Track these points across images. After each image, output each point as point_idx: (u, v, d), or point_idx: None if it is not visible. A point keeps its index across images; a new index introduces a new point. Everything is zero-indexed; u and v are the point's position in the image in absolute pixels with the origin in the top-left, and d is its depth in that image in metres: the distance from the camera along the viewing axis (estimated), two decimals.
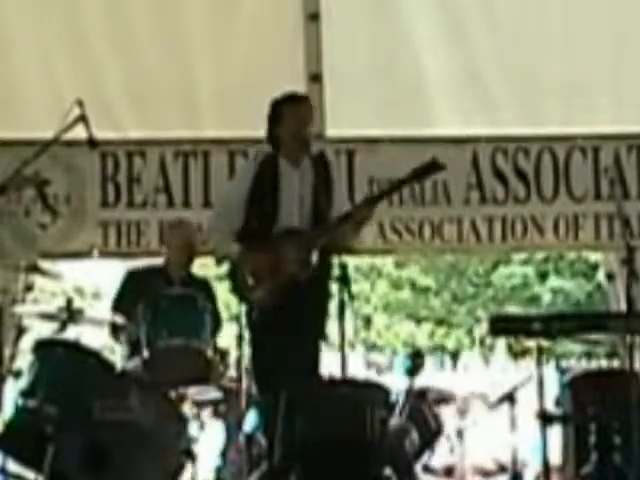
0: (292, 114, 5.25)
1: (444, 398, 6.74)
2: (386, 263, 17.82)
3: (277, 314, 5.04)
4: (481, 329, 16.45)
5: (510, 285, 17.66)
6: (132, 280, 6.04)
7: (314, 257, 5.01)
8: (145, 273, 6.10)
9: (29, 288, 6.01)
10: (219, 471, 5.44)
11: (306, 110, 5.28)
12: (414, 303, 18.26)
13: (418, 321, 18.08)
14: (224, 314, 6.16)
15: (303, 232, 5.09)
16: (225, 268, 5.27)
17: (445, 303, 18.31)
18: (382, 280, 18.18)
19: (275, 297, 5.04)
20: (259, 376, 5.14)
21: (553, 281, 17.54)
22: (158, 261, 6.28)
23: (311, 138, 5.23)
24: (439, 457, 6.64)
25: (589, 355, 15.55)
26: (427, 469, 6.37)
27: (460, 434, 6.68)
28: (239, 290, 5.14)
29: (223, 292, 6.09)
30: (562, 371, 5.24)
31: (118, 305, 5.89)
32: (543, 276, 17.73)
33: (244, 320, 5.14)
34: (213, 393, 5.41)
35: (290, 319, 4.99)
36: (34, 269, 5.60)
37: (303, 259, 5.02)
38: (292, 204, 5.14)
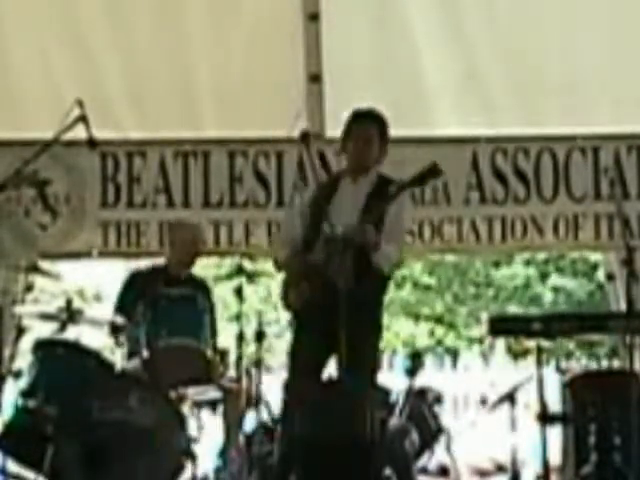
0: (353, 131, 5.23)
1: (442, 398, 6.75)
2: None
3: (311, 317, 5.02)
4: (481, 329, 16.43)
5: (512, 285, 17.62)
6: (134, 281, 6.04)
7: (345, 262, 4.95)
8: (146, 274, 6.09)
9: (29, 288, 6.00)
10: (219, 471, 5.44)
11: (366, 131, 5.21)
12: (415, 301, 18.25)
13: (417, 318, 18.07)
14: (224, 314, 6.17)
15: (335, 241, 5.00)
16: (225, 269, 5.29)
17: (446, 303, 18.29)
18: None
19: (308, 300, 5.04)
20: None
21: (554, 280, 17.51)
22: (159, 261, 6.28)
23: (371, 160, 5.22)
24: (434, 457, 6.64)
25: (589, 355, 15.55)
26: (422, 470, 6.37)
27: (458, 434, 6.70)
28: (284, 294, 5.15)
29: (223, 292, 6.11)
30: (562, 372, 5.24)
31: (121, 306, 5.89)
32: (544, 276, 17.70)
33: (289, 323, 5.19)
34: (213, 393, 5.41)
35: (322, 323, 4.94)
36: (34, 269, 5.60)
37: (331, 264, 4.99)
38: (339, 216, 5.05)
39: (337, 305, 4.76)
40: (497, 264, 17.87)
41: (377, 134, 5.25)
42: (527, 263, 17.66)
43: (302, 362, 5.06)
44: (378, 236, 4.99)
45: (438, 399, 6.66)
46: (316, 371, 5.03)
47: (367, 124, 5.26)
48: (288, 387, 5.01)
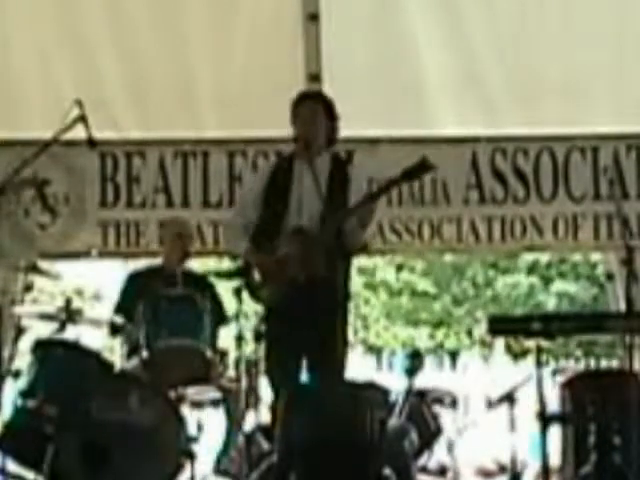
0: (298, 113, 5.28)
1: (443, 398, 6.74)
2: (385, 268, 17.86)
3: (286, 313, 5.05)
4: (480, 329, 16.47)
5: (515, 294, 17.61)
6: (133, 282, 6.07)
7: (320, 256, 4.99)
8: (145, 274, 6.13)
9: (28, 288, 6.00)
10: (219, 471, 5.43)
11: (309, 108, 5.28)
12: (413, 308, 18.25)
13: (417, 324, 18.08)
14: None
15: (308, 232, 5.08)
16: (225, 268, 5.29)
17: (445, 306, 18.29)
18: (382, 288, 18.19)
19: (281, 296, 5.05)
20: (268, 375, 5.17)
21: (557, 285, 17.48)
22: (157, 261, 6.30)
23: (320, 137, 5.24)
24: (435, 457, 6.64)
25: (588, 355, 15.56)
26: (422, 469, 6.37)
27: (458, 434, 6.68)
28: (250, 287, 5.16)
29: (222, 292, 6.11)
30: (556, 373, 5.24)
31: (121, 306, 5.91)
32: (547, 282, 17.67)
33: (262, 317, 5.18)
34: (212, 393, 5.41)
35: (300, 318, 4.99)
36: (33, 269, 5.60)
37: (306, 259, 5.02)
38: (301, 202, 5.14)
39: (313, 299, 4.86)
40: (494, 265, 17.88)
41: (323, 111, 5.28)
42: (530, 271, 17.66)
43: (280, 357, 5.11)
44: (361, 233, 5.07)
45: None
46: (295, 367, 5.12)
47: (311, 102, 5.34)
48: (276, 386, 5.05)
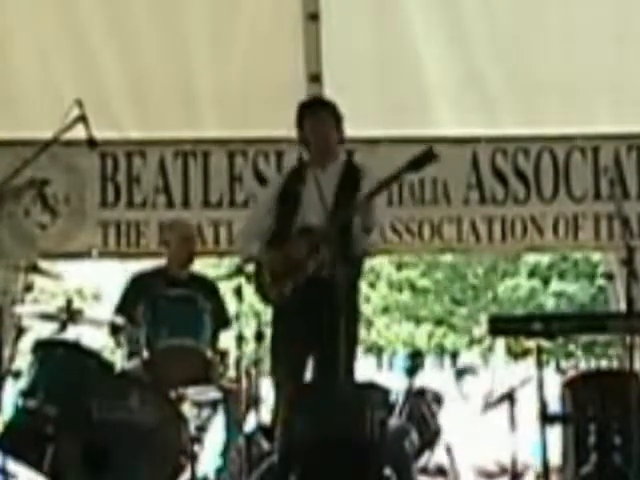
0: (309, 121, 5.31)
1: (442, 398, 6.75)
2: (385, 264, 17.86)
3: (293, 312, 5.08)
4: (481, 329, 16.47)
5: (515, 297, 17.60)
6: (135, 283, 6.07)
7: (328, 253, 4.99)
8: (147, 276, 6.13)
9: (29, 288, 6.00)
10: (219, 471, 5.44)
11: (324, 118, 5.31)
12: (414, 304, 18.26)
13: (418, 321, 18.08)
14: None
15: (315, 229, 5.10)
16: (225, 270, 5.30)
17: (445, 305, 18.29)
18: (381, 282, 18.20)
19: (289, 295, 5.06)
20: (273, 375, 5.18)
21: (556, 285, 17.47)
22: (158, 262, 6.30)
23: (335, 141, 5.29)
24: (434, 457, 6.64)
25: (588, 355, 15.55)
26: (422, 469, 6.37)
27: (458, 435, 6.69)
28: (261, 289, 5.20)
29: (222, 292, 6.12)
30: (562, 372, 5.24)
31: (121, 307, 5.92)
32: (546, 282, 17.67)
33: (269, 317, 5.22)
34: (213, 393, 5.41)
35: (308, 317, 5.02)
36: (34, 269, 5.59)
37: (314, 256, 5.03)
38: (312, 206, 5.16)
39: (320, 299, 4.86)
40: (494, 269, 17.89)
41: (332, 117, 5.33)
42: (531, 274, 17.66)
43: (285, 357, 5.14)
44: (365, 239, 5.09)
45: (437, 399, 6.66)
46: (300, 367, 5.13)
47: (320, 109, 5.39)
48: (280, 386, 5.06)
